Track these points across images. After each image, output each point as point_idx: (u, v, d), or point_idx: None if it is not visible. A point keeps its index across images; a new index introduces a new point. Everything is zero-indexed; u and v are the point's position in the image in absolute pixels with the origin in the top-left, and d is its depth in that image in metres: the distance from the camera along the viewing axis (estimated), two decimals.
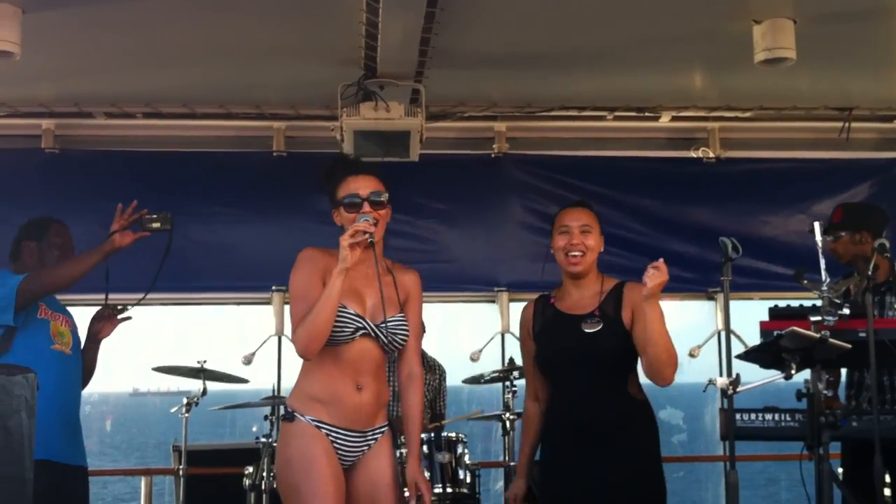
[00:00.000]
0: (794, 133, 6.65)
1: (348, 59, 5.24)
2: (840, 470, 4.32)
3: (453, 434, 4.81)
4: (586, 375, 3.54)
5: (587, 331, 3.55)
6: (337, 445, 3.25)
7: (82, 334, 4.27)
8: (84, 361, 4.23)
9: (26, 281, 3.92)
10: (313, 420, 3.23)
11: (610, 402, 3.53)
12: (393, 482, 3.33)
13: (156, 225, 4.06)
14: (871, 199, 6.50)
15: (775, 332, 3.50)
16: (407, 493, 3.34)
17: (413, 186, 6.12)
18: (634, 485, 3.47)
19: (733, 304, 6.58)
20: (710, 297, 6.48)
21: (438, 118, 6.17)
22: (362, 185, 3.34)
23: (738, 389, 3.23)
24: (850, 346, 3.49)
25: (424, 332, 4.43)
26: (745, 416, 3.78)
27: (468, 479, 4.76)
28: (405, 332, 3.35)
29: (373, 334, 3.27)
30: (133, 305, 4.33)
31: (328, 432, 3.23)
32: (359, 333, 3.24)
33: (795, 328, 3.39)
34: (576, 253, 3.59)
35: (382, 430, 3.36)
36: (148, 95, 6.02)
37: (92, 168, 6.18)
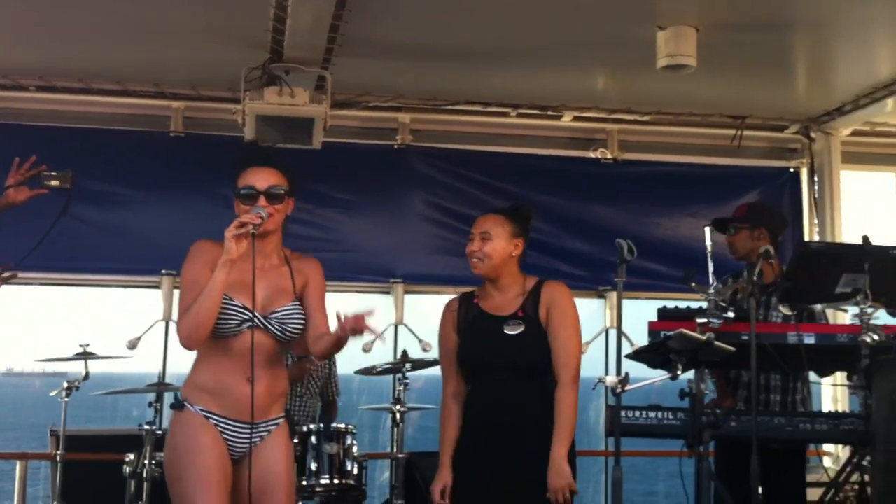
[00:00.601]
0: (690, 138, 6.84)
1: (255, 42, 5.16)
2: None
3: (342, 425, 4.80)
4: (507, 378, 3.57)
5: (509, 333, 3.58)
6: (226, 436, 3.21)
7: None
8: None
9: None
10: (202, 410, 3.20)
11: (529, 403, 3.56)
12: (285, 473, 3.28)
13: (54, 182, 3.88)
14: (761, 203, 6.75)
15: (663, 333, 3.60)
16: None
17: (314, 174, 6.07)
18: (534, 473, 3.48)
19: (629, 304, 6.78)
20: (601, 296, 6.61)
21: (343, 106, 6.14)
22: (262, 178, 3.29)
23: (626, 388, 3.31)
24: (734, 349, 3.61)
25: None
26: (630, 414, 3.89)
27: (355, 471, 4.75)
28: (298, 321, 3.29)
29: (262, 326, 3.23)
30: (17, 267, 4.08)
31: (216, 423, 3.20)
32: (245, 325, 3.20)
33: (683, 330, 3.49)
34: (474, 259, 3.67)
35: (277, 421, 3.31)
36: (42, 68, 5.84)
37: None
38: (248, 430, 3.22)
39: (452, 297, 3.85)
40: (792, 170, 6.96)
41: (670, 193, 6.73)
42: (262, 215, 3.19)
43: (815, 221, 6.90)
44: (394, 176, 6.46)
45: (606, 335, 6.50)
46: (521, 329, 3.58)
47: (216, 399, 3.21)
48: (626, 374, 3.37)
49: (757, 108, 6.58)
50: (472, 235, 3.69)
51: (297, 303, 3.31)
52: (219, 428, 3.20)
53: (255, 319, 3.21)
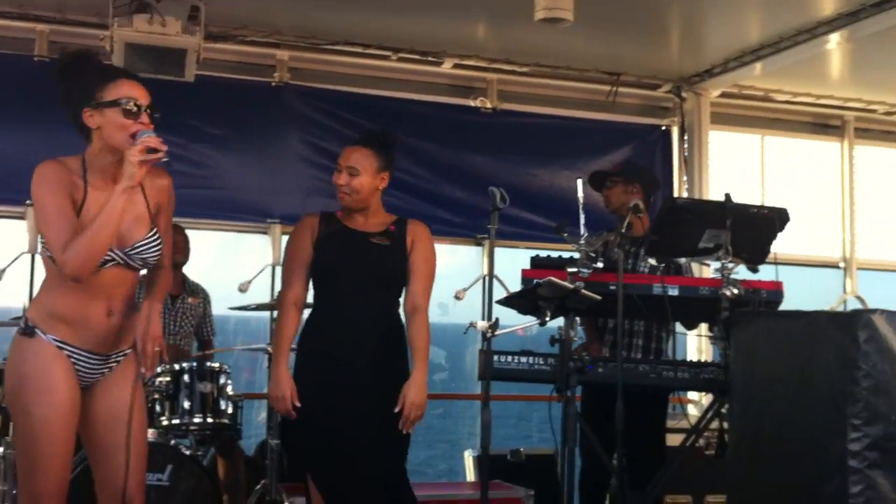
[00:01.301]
0: (568, 92, 6.92)
1: None
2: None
3: (216, 364, 4.73)
4: (365, 286, 3.61)
5: (375, 242, 3.64)
6: (78, 367, 3.11)
7: None
8: None
9: None
10: (56, 340, 3.07)
11: (380, 317, 3.62)
12: (135, 406, 3.18)
13: None
14: (632, 161, 6.91)
15: (535, 281, 3.67)
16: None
17: (187, 108, 5.88)
18: (391, 404, 3.53)
19: (500, 252, 6.86)
20: (478, 243, 6.68)
21: (219, 39, 5.97)
22: (142, 94, 3.09)
23: (496, 332, 3.37)
24: (600, 297, 3.71)
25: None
26: (503, 359, 3.97)
27: (230, 410, 4.70)
28: (156, 250, 3.18)
29: (122, 262, 3.12)
30: None
31: (70, 353, 3.09)
32: (108, 265, 3.08)
33: (552, 278, 3.57)
34: (341, 193, 3.69)
35: (126, 353, 3.23)
36: None
37: None
38: (99, 361, 3.15)
39: None
40: (664, 128, 7.15)
41: (547, 145, 6.81)
42: (159, 140, 3.00)
43: (685, 179, 7.11)
44: (270, 114, 6.30)
45: (483, 282, 6.57)
46: (388, 242, 3.66)
47: (73, 329, 3.08)
48: (497, 319, 3.43)
49: (632, 66, 6.72)
50: (339, 167, 3.69)
51: (155, 230, 3.18)
52: (72, 359, 3.09)
53: (117, 257, 3.09)
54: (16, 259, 5.69)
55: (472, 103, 6.75)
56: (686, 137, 7.10)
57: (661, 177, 6.71)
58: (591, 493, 4.50)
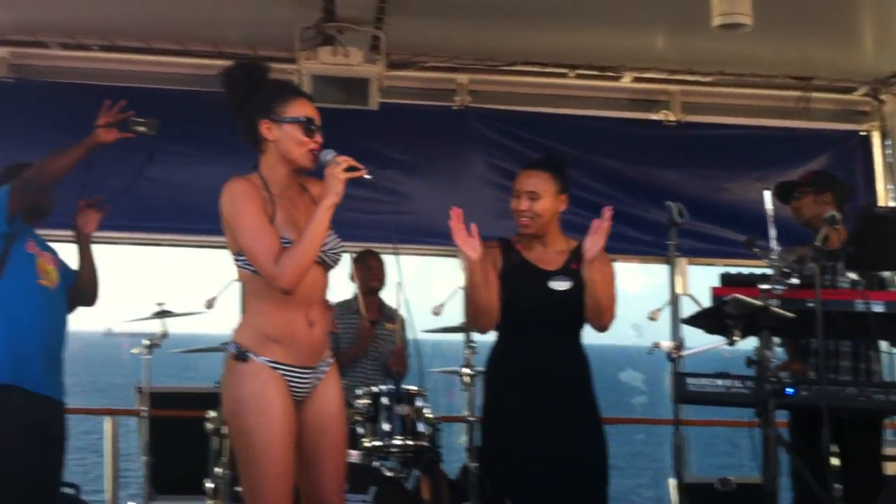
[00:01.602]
0: (755, 100, 6.67)
1: (307, 0, 5.14)
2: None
3: (413, 388, 4.77)
4: (547, 330, 3.60)
5: (555, 288, 3.61)
6: (292, 385, 3.20)
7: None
8: (84, 272, 4.24)
9: (16, 183, 3.97)
10: (269, 361, 3.16)
11: (565, 356, 3.61)
12: (339, 412, 3.31)
13: (141, 128, 3.99)
14: (830, 170, 6.56)
15: (721, 299, 3.53)
16: None
17: (373, 135, 6.05)
18: (585, 431, 3.54)
19: (696, 270, 6.68)
20: (670, 261, 6.48)
21: (400, 67, 6.10)
22: (317, 115, 3.27)
23: (681, 353, 3.26)
24: (792, 315, 3.53)
25: None
26: (697, 381, 3.82)
27: (428, 433, 4.71)
28: (342, 247, 3.30)
29: (319, 261, 3.21)
30: (113, 198, 4.27)
31: (284, 372, 3.18)
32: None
33: (738, 295, 3.44)
34: (523, 219, 3.66)
35: (329, 361, 3.33)
36: (104, 28, 5.88)
37: (47, 99, 6.03)
38: (309, 374, 3.24)
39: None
40: (862, 133, 6.75)
41: (736, 156, 6.58)
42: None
43: (889, 187, 6.68)
44: (453, 138, 6.40)
45: (676, 302, 6.42)
46: (568, 285, 3.60)
47: (283, 347, 3.17)
48: (682, 339, 3.32)
49: (822, 69, 6.38)
50: (517, 192, 3.67)
51: (332, 230, 3.26)
52: (286, 377, 3.18)
53: (317, 258, 3.18)
54: (227, 286, 6.02)
55: (654, 117, 6.62)
56: (889, 143, 6.68)
57: (863, 186, 6.38)
58: None
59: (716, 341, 3.63)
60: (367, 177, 3.13)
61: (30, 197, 3.99)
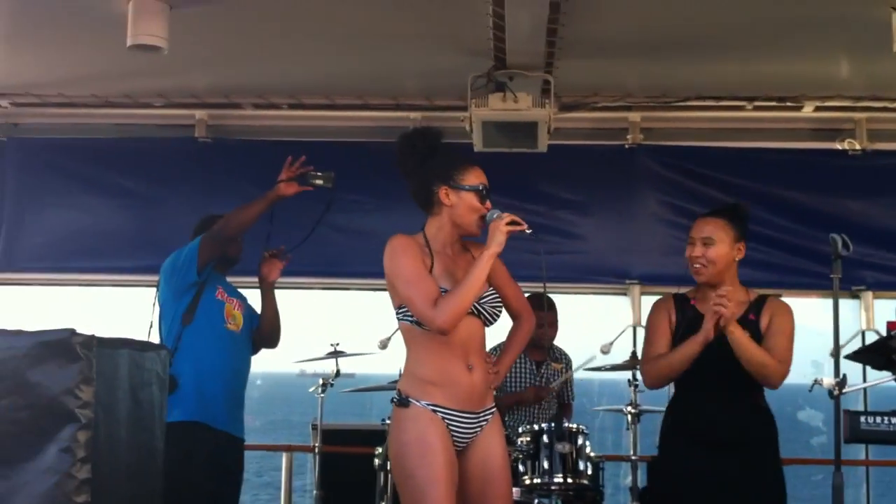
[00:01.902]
0: None
1: (479, 50, 5.30)
2: None
3: (574, 426, 4.80)
4: (722, 384, 3.54)
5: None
6: (452, 428, 3.30)
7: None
8: (266, 317, 4.53)
9: (205, 236, 4.34)
10: (429, 404, 3.29)
11: (742, 412, 3.54)
12: (504, 462, 3.39)
13: (319, 182, 4.30)
14: None
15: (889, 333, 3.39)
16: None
17: (543, 176, 6.17)
18: (762, 491, 3.46)
19: (880, 303, 6.36)
20: (855, 296, 6.25)
21: (572, 108, 6.17)
22: (486, 180, 3.46)
23: (844, 390, 3.15)
24: None
25: None
26: (870, 419, 3.67)
27: (589, 471, 4.70)
28: (500, 305, 3.45)
29: (475, 312, 3.35)
30: (295, 248, 4.56)
31: (444, 416, 3.28)
32: (465, 316, 3.32)
33: None
34: (696, 265, 3.63)
35: (493, 410, 3.43)
36: (292, 87, 6.27)
37: (241, 157, 6.51)
38: (472, 420, 3.34)
39: None
40: None
41: None
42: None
43: None
44: (625, 176, 6.42)
45: (863, 337, 6.14)
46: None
47: (441, 390, 3.30)
48: (844, 375, 3.21)
49: None
50: (692, 240, 3.64)
51: (492, 289, 3.44)
52: (446, 421, 3.29)
53: (472, 308, 3.33)
54: (398, 329, 6.26)
55: (839, 146, 6.38)
56: None
57: None
58: None
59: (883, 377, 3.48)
60: (528, 231, 3.29)
61: (218, 248, 4.33)
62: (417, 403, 3.30)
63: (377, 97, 6.38)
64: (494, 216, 3.34)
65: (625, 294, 6.37)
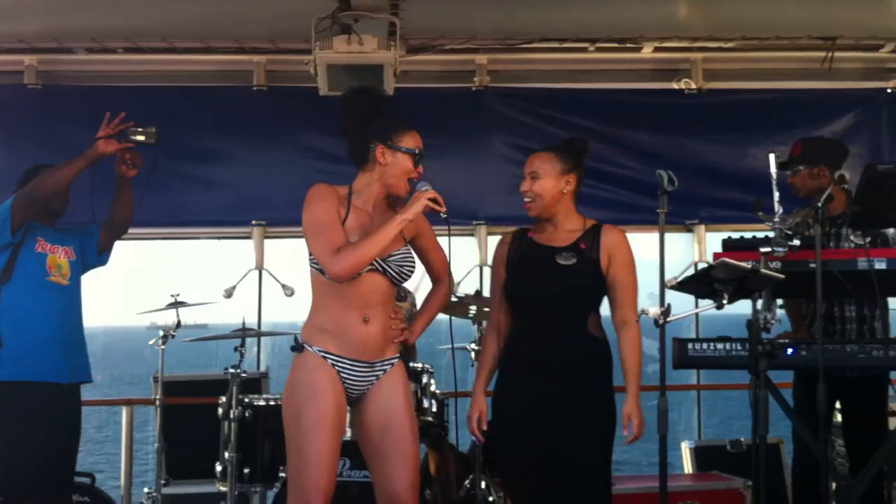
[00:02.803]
0: (779, 63, 6.60)
1: None
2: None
3: (419, 365, 4.86)
4: (551, 307, 3.57)
5: (561, 262, 3.58)
6: (343, 376, 3.37)
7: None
8: (119, 203, 4.32)
9: (18, 196, 4.13)
10: (320, 350, 3.37)
11: (570, 337, 3.56)
12: (404, 409, 3.44)
13: (140, 138, 4.09)
14: (855, 130, 6.52)
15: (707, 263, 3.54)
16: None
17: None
18: (586, 417, 3.51)
19: (713, 236, 6.64)
20: (688, 230, 6.53)
21: (418, 51, 6.15)
22: (420, 145, 3.47)
23: (668, 319, 3.29)
24: (782, 276, 3.51)
25: None
26: (698, 346, 3.87)
27: (434, 408, 4.81)
28: (412, 264, 3.49)
29: (380, 269, 3.38)
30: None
31: (334, 363, 3.36)
32: (366, 269, 3.35)
33: (726, 259, 3.43)
34: (525, 199, 3.67)
35: (392, 361, 3.48)
36: (128, 30, 6.01)
37: (74, 103, 6.20)
38: (364, 369, 3.40)
39: None
40: (889, 90, 6.64)
41: (760, 122, 6.51)
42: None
43: None
44: (472, 118, 6.45)
45: (695, 268, 6.41)
46: (573, 261, 3.57)
47: (334, 339, 3.37)
48: (669, 304, 3.34)
49: (848, 28, 6.24)
50: (525, 175, 3.68)
51: (408, 247, 3.49)
52: (336, 367, 3.36)
53: (376, 263, 3.36)
54: (244, 276, 6.20)
55: (676, 86, 6.58)
56: None
57: (889, 142, 6.28)
58: (800, 481, 4.28)
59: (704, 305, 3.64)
60: (443, 215, 3.38)
61: (32, 208, 4.12)
62: (310, 349, 3.38)
63: (219, 40, 6.19)
64: (423, 188, 3.40)
65: (472, 235, 6.46)
